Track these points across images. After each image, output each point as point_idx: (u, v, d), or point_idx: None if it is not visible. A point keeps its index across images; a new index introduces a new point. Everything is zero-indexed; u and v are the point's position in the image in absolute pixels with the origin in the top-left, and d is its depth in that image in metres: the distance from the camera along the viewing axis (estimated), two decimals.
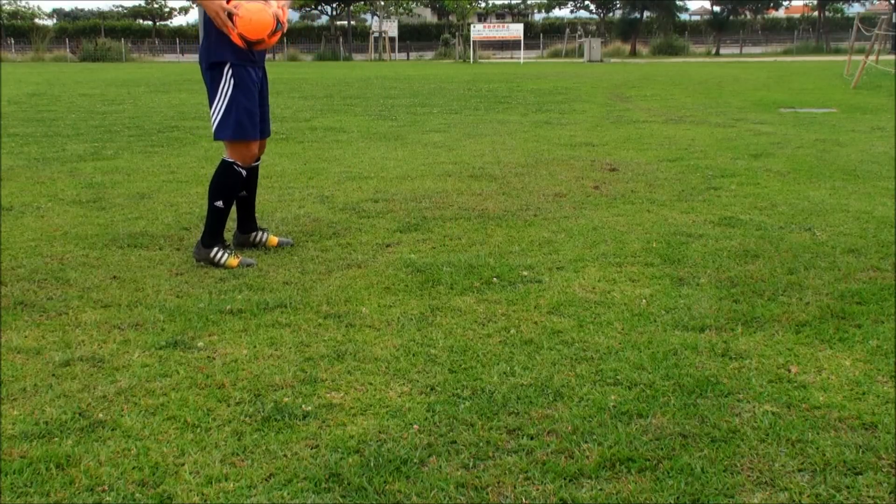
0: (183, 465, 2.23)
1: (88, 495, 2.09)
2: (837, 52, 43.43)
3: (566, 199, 5.67)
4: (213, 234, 4.12)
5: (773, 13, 61.52)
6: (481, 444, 2.33)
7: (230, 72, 3.96)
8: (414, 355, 2.95)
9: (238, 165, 4.11)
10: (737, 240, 4.49)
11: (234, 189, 4.16)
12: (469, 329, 3.22)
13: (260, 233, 4.45)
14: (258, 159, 4.33)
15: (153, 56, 51.44)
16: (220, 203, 4.12)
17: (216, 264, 4.06)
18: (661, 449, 2.29)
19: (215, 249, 4.09)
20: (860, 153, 7.62)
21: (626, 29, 53.42)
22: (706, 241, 4.47)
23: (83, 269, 4.04)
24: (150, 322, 3.30)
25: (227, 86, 3.97)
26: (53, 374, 2.80)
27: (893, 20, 37.37)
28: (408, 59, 50.99)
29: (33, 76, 24.79)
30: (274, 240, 4.45)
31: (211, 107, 4.02)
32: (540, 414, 2.49)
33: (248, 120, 4.02)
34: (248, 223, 4.45)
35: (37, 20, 58.96)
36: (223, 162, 4.12)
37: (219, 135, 4.03)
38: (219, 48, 3.97)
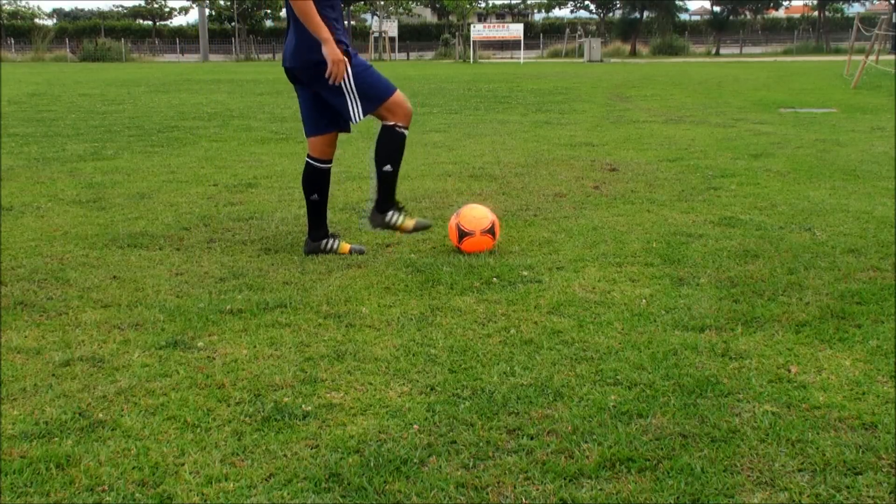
0: (183, 465, 2.23)
1: (88, 495, 2.09)
2: (837, 52, 43.43)
3: (566, 199, 5.67)
4: (387, 199, 4.27)
5: (773, 13, 61.53)
6: (481, 444, 2.33)
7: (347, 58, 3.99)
8: (414, 355, 2.95)
9: (400, 126, 4.15)
10: (737, 240, 4.49)
11: (400, 152, 4.23)
12: (469, 329, 3.22)
13: (331, 240, 4.34)
14: (329, 162, 4.33)
15: (153, 56, 51.44)
16: (388, 167, 4.20)
17: (392, 227, 4.27)
18: (661, 449, 2.29)
19: (391, 213, 4.27)
20: (860, 153, 7.62)
21: (626, 29, 53.43)
22: (706, 241, 4.47)
23: (83, 269, 4.04)
24: (150, 322, 3.30)
25: (347, 70, 3.98)
26: (53, 374, 2.80)
27: (893, 20, 37.36)
28: (408, 59, 50.99)
29: (33, 76, 24.79)
30: (346, 247, 4.34)
31: (342, 95, 4.01)
32: (540, 414, 2.49)
33: (382, 80, 4.11)
34: (320, 230, 4.34)
35: (37, 20, 58.96)
36: (384, 128, 4.15)
37: (368, 110, 4.06)
38: (320, 45, 3.95)
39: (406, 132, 4.20)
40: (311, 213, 4.32)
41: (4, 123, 10.70)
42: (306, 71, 4.03)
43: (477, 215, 4.27)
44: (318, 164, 4.30)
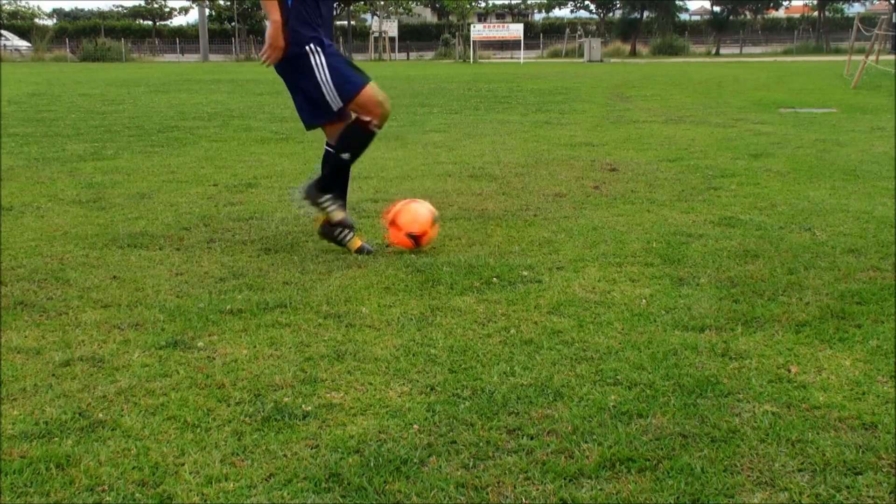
0: (183, 465, 2.23)
1: (88, 495, 2.09)
2: (837, 52, 43.42)
3: (566, 199, 5.67)
4: (330, 183, 4.18)
5: (773, 13, 61.52)
6: (481, 444, 2.32)
7: (314, 49, 4.00)
8: (414, 355, 2.95)
9: (374, 124, 4.14)
10: (737, 240, 4.49)
11: (363, 146, 4.21)
12: (469, 329, 3.22)
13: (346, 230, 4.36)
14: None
15: (153, 56, 51.44)
16: (346, 155, 4.17)
17: (321, 208, 4.18)
18: (661, 449, 2.29)
19: (327, 196, 4.18)
20: (860, 153, 7.62)
21: (626, 29, 53.43)
22: (706, 241, 4.47)
23: (83, 269, 4.04)
24: (150, 322, 3.30)
25: (320, 60, 4.00)
26: (53, 374, 2.80)
27: (893, 20, 37.35)
28: (408, 59, 50.99)
29: (33, 76, 24.79)
30: (357, 242, 4.37)
31: (317, 86, 4.03)
32: (540, 414, 2.49)
33: (353, 72, 4.09)
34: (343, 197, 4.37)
35: (37, 20, 58.95)
36: (355, 121, 4.14)
37: (344, 97, 4.06)
38: (293, 40, 3.98)
39: (376, 131, 4.19)
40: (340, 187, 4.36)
41: (4, 123, 10.70)
42: (282, 63, 4.07)
43: (413, 219, 4.22)
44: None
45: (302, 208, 4.29)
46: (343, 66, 4.10)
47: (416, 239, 4.24)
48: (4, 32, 50.91)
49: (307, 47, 4.03)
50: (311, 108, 4.24)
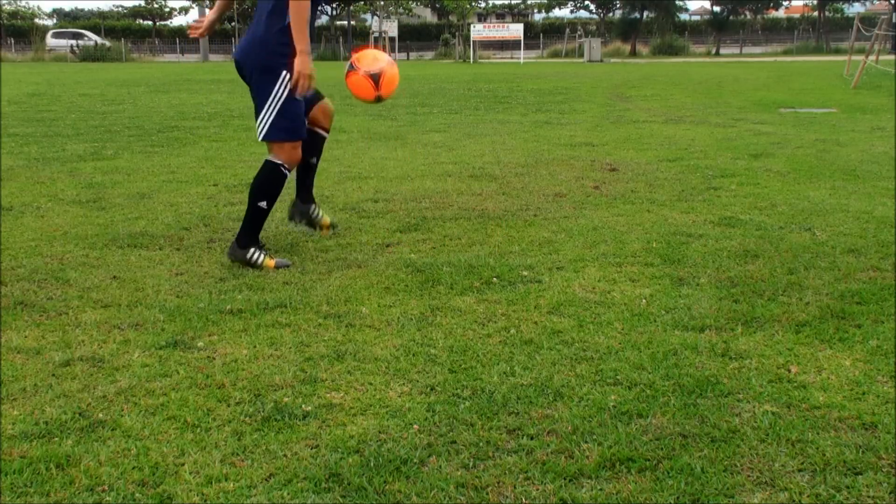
0: (183, 465, 2.23)
1: (88, 495, 2.09)
2: (837, 52, 43.41)
3: (566, 199, 5.67)
4: (250, 235, 4.06)
5: (773, 13, 61.51)
6: (481, 444, 2.33)
7: (286, 78, 3.93)
8: (414, 355, 2.95)
9: (285, 167, 4.07)
10: (737, 240, 4.49)
11: (278, 190, 4.12)
12: (469, 329, 3.22)
13: (316, 207, 4.37)
14: (327, 131, 4.40)
15: (153, 56, 51.43)
16: (263, 203, 4.07)
17: (252, 265, 4.01)
18: (661, 449, 2.29)
19: (252, 250, 4.04)
20: (860, 153, 7.62)
21: (626, 29, 53.41)
22: (706, 241, 4.47)
23: (83, 269, 4.04)
24: (150, 322, 3.30)
25: (281, 90, 3.93)
26: (53, 374, 2.80)
27: (893, 20, 37.36)
28: (408, 59, 50.98)
29: (33, 76, 24.79)
30: (326, 220, 4.42)
31: (261, 108, 3.98)
32: (540, 414, 2.49)
33: (300, 122, 4.05)
34: (309, 193, 4.40)
35: (37, 20, 58.94)
36: (269, 163, 4.07)
37: (270, 136, 3.99)
38: (276, 53, 3.91)
39: (288, 174, 4.12)
40: (304, 174, 4.42)
41: (4, 123, 10.70)
42: (252, 69, 3.98)
43: (373, 58, 4.15)
44: (318, 132, 4.38)
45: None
46: (297, 113, 4.01)
47: (376, 79, 4.08)
48: (86, 32, 51.08)
49: (282, 73, 3.92)
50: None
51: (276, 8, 3.90)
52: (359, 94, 4.19)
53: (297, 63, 3.87)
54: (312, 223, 4.53)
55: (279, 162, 4.06)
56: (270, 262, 4.04)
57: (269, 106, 3.95)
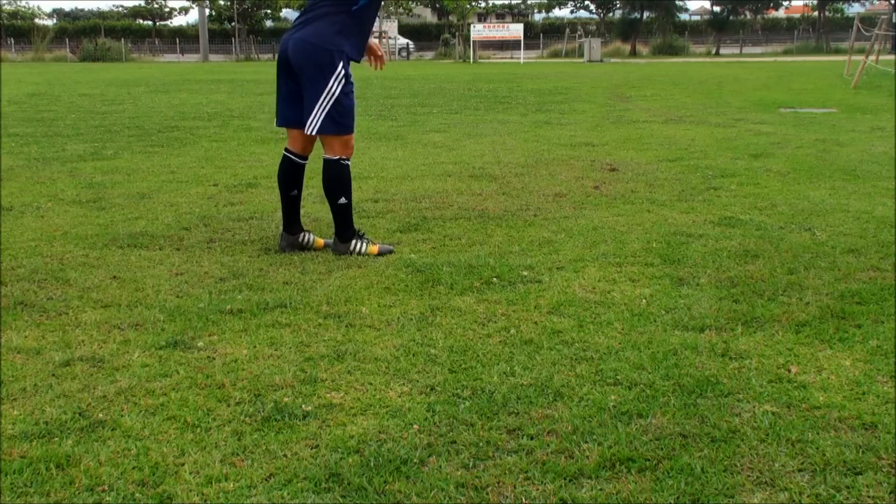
0: (183, 465, 2.23)
1: (88, 495, 2.09)
2: (837, 52, 43.40)
3: (566, 199, 5.67)
4: (345, 228, 4.24)
5: (773, 13, 61.49)
6: (481, 444, 2.33)
7: (340, 74, 4.02)
8: (414, 355, 2.95)
9: (344, 160, 4.16)
10: (737, 240, 4.49)
11: (348, 181, 4.24)
12: (469, 329, 3.22)
13: (307, 234, 4.40)
14: (307, 157, 4.38)
15: (153, 56, 51.42)
16: (342, 200, 4.21)
17: (359, 254, 4.21)
18: (661, 449, 2.29)
19: (353, 242, 4.23)
20: (860, 153, 7.62)
21: (626, 29, 53.41)
22: (706, 241, 4.47)
23: (83, 269, 4.04)
24: (150, 322, 3.30)
25: (335, 85, 4.01)
26: (53, 374, 2.80)
27: (893, 20, 37.35)
28: (408, 59, 50.97)
29: (33, 76, 24.79)
30: (320, 242, 4.41)
31: (313, 103, 4.03)
32: (540, 414, 2.49)
33: (351, 117, 4.13)
34: (296, 224, 4.41)
35: (37, 20, 58.93)
36: (328, 161, 4.17)
37: (323, 130, 4.07)
38: (331, 51, 4.01)
39: (349, 163, 4.23)
40: (287, 208, 4.38)
41: (4, 123, 10.70)
42: (305, 65, 4.04)
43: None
44: (297, 160, 4.35)
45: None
46: (350, 107, 4.11)
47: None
48: (401, 37, 50.74)
49: (339, 65, 4.03)
50: (292, 106, 4.22)
51: (331, 12, 4.03)
52: None
53: (372, 44, 4.25)
54: (305, 248, 4.46)
55: (336, 157, 4.15)
56: (374, 249, 4.24)
57: (322, 101, 4.03)
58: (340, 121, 4.08)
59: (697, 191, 5.91)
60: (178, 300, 3.57)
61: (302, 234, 4.39)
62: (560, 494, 2.08)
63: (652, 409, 2.52)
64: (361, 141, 8.94)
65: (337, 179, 4.21)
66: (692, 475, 2.16)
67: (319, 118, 4.05)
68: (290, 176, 4.34)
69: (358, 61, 4.20)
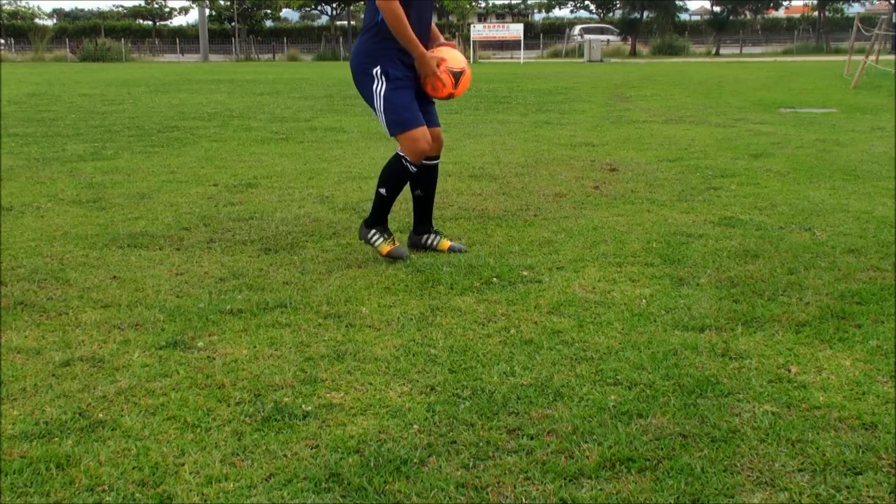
0: (183, 465, 2.23)
1: (88, 495, 2.09)
2: (837, 52, 43.40)
3: (566, 199, 5.67)
4: (376, 216, 4.24)
5: (773, 13, 61.49)
6: (481, 444, 2.33)
7: (378, 74, 4.04)
8: (414, 355, 2.95)
9: (407, 160, 4.10)
10: (737, 240, 4.49)
11: (399, 181, 4.20)
12: (469, 329, 3.22)
13: (433, 235, 4.38)
14: (435, 158, 4.32)
15: (153, 56, 51.43)
16: (383, 190, 4.21)
17: (371, 244, 4.23)
18: (661, 449, 2.29)
19: (373, 231, 4.23)
20: (860, 153, 7.62)
21: (626, 29, 53.41)
22: (706, 241, 4.47)
23: (83, 269, 4.04)
24: (150, 322, 3.30)
25: (379, 87, 4.04)
26: (53, 374, 2.80)
27: (893, 20, 37.36)
28: None
29: (33, 76, 24.79)
30: (446, 244, 4.37)
31: (373, 109, 4.12)
32: (540, 414, 2.49)
33: (408, 113, 4.07)
34: (422, 224, 4.41)
35: (37, 20, 58.92)
36: (394, 155, 4.17)
37: (390, 131, 4.11)
38: (368, 55, 4.07)
39: (411, 168, 4.11)
40: (414, 207, 4.44)
41: (4, 123, 10.71)
42: (354, 75, 4.15)
43: (457, 58, 4.22)
44: (423, 161, 4.26)
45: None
46: (401, 103, 4.05)
47: (457, 77, 4.16)
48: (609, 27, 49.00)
49: (374, 71, 4.05)
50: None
51: (367, 21, 4.10)
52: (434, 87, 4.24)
53: (418, 66, 4.05)
54: (428, 249, 4.39)
55: (402, 154, 4.13)
56: (385, 248, 4.20)
57: (376, 105, 4.08)
58: (398, 118, 4.06)
59: (697, 191, 5.91)
60: (178, 300, 3.57)
61: (426, 236, 4.38)
62: (560, 494, 2.08)
63: (652, 409, 2.52)
64: (361, 141, 8.94)
65: (391, 171, 4.18)
66: (692, 475, 2.16)
67: (383, 122, 4.09)
68: (414, 175, 4.28)
69: (386, 68, 4.08)
